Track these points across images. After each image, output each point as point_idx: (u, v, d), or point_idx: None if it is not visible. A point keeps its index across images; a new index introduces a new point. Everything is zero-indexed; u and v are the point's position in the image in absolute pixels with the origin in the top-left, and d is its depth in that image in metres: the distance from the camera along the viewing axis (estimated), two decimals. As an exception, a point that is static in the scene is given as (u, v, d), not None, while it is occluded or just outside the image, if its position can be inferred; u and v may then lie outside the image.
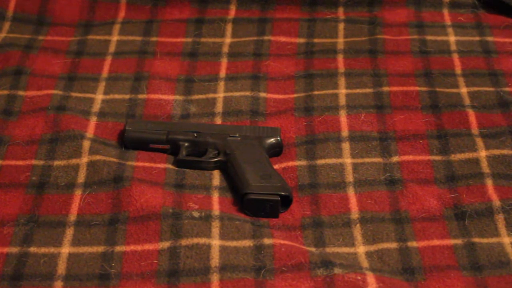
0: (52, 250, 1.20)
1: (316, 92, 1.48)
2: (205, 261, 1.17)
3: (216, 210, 1.25)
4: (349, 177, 1.32)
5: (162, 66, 1.54)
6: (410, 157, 1.35)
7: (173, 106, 1.45)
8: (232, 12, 1.66)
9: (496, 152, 1.36)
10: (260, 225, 1.24)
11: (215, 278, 1.15)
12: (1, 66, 1.52)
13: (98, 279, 1.16)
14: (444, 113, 1.43)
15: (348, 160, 1.35)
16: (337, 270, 1.16)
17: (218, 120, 1.43)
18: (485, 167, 1.33)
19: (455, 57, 1.55)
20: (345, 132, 1.39)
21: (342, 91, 1.48)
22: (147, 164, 1.34)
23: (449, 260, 1.20)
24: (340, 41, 1.60)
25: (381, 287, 1.14)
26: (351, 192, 1.30)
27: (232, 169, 1.32)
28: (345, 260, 1.19)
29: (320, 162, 1.35)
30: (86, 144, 1.35)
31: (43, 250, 1.20)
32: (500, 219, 1.26)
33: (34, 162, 1.33)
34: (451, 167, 1.34)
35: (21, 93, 1.46)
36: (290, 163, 1.35)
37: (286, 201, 1.27)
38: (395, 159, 1.35)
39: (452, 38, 1.60)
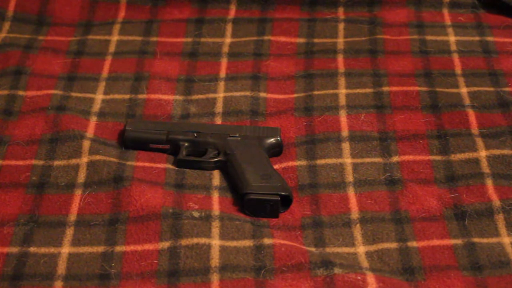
0: (52, 250, 1.20)
1: (316, 92, 1.48)
2: (205, 261, 1.17)
3: (216, 210, 1.25)
4: (349, 177, 1.32)
5: (162, 66, 1.54)
6: (410, 157, 1.35)
7: (173, 106, 1.45)
8: (232, 12, 1.66)
9: (496, 152, 1.36)
10: (260, 225, 1.24)
11: (215, 278, 1.15)
12: (1, 66, 1.52)
13: (98, 279, 1.16)
14: (444, 113, 1.43)
15: (348, 160, 1.35)
16: (337, 270, 1.16)
17: (218, 120, 1.43)
18: (485, 167, 1.33)
19: (455, 57, 1.55)
20: (345, 132, 1.39)
21: (342, 91, 1.48)
22: (147, 164, 1.34)
23: (449, 260, 1.20)
24: (340, 41, 1.60)
25: (381, 287, 1.14)
26: (351, 192, 1.30)
27: (232, 169, 1.32)
28: (345, 260, 1.19)
29: (320, 162, 1.35)
30: (86, 144, 1.35)
31: (43, 250, 1.20)
32: (500, 219, 1.26)
33: (34, 162, 1.33)
34: (451, 167, 1.34)
35: (21, 93, 1.46)
36: (290, 163, 1.35)
37: (286, 201, 1.27)
38: (395, 159, 1.35)
39: (452, 38, 1.60)
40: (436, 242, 1.22)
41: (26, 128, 1.39)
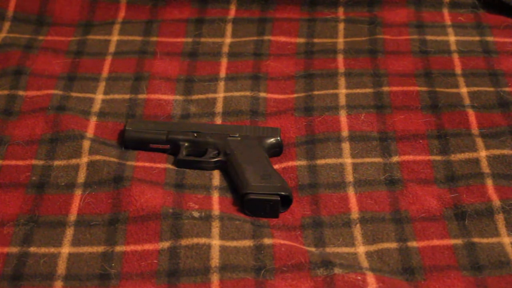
0: (52, 250, 1.20)
1: (316, 92, 1.48)
2: (205, 261, 1.17)
3: (216, 210, 1.25)
4: (349, 177, 1.32)
5: (162, 66, 1.54)
6: (410, 157, 1.35)
7: (173, 106, 1.45)
8: (232, 12, 1.66)
9: (496, 152, 1.36)
10: (260, 225, 1.24)
11: (215, 278, 1.15)
12: (1, 66, 1.52)
13: (98, 279, 1.16)
14: (444, 113, 1.43)
15: (348, 160, 1.35)
16: (337, 270, 1.16)
17: (218, 120, 1.43)
18: (485, 167, 1.33)
19: (455, 57, 1.55)
20: (345, 132, 1.39)
21: (342, 91, 1.48)
22: (147, 164, 1.34)
23: (449, 260, 1.20)
24: (340, 41, 1.60)
25: (381, 287, 1.14)
26: (351, 192, 1.30)
27: (232, 169, 1.32)
28: (345, 260, 1.19)
29: (320, 162, 1.35)
30: (86, 144, 1.35)
31: (43, 250, 1.20)
32: (500, 219, 1.26)
33: (34, 162, 1.33)
34: (451, 167, 1.34)
35: (21, 93, 1.46)
36: (290, 163, 1.35)
37: (286, 201, 1.27)
38: (395, 159, 1.35)
39: (452, 38, 1.60)
40: (436, 242, 1.22)
41: (26, 128, 1.39)
